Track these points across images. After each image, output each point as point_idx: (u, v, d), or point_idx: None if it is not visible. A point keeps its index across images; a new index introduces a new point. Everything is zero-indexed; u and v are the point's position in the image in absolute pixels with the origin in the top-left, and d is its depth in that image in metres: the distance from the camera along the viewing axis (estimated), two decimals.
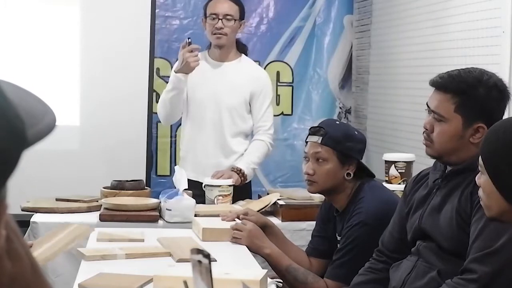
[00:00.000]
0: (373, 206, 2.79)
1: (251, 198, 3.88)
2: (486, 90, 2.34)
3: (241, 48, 4.01)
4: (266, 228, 3.08)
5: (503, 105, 2.38)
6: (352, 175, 2.88)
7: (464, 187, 2.32)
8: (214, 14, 3.87)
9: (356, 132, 2.96)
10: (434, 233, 2.38)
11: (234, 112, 3.88)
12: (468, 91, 2.35)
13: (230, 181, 3.61)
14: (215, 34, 3.87)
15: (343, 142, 2.86)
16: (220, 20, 3.85)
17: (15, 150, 0.74)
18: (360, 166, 2.93)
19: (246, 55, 4.04)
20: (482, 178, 1.93)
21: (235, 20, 3.88)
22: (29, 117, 0.78)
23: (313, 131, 2.94)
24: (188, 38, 3.80)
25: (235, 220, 3.08)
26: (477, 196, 2.19)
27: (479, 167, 1.93)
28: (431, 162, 2.55)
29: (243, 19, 3.98)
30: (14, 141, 0.73)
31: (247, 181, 3.83)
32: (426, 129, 2.43)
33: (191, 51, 3.73)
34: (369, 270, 2.63)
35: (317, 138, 2.89)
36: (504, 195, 1.86)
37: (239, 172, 3.75)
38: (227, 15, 3.87)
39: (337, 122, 2.95)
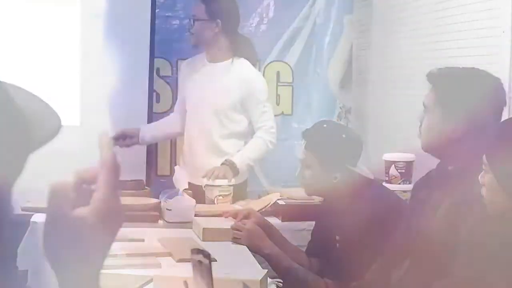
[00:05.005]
0: (372, 206, 2.79)
1: (247, 197, 3.87)
2: (465, 85, 2.33)
3: (240, 48, 3.91)
4: (264, 230, 3.08)
5: (480, 101, 2.33)
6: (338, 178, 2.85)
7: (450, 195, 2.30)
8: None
9: (344, 136, 2.88)
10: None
11: (222, 114, 3.83)
12: (449, 84, 2.35)
13: (230, 181, 3.60)
14: None
15: (325, 148, 2.85)
16: (189, 20, 3.96)
17: (21, 152, 0.74)
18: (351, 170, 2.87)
19: (245, 56, 3.93)
20: (486, 177, 1.93)
21: (200, 20, 3.87)
22: (35, 120, 0.78)
23: (302, 135, 2.96)
24: None
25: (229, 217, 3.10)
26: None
27: (483, 165, 1.94)
28: (430, 162, 2.55)
29: (218, 18, 3.86)
30: (19, 143, 0.73)
31: (243, 178, 3.82)
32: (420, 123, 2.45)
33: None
34: None
35: (303, 143, 2.92)
36: (508, 193, 1.87)
37: (231, 164, 3.71)
38: (193, 15, 3.94)
39: (325, 126, 2.90)
